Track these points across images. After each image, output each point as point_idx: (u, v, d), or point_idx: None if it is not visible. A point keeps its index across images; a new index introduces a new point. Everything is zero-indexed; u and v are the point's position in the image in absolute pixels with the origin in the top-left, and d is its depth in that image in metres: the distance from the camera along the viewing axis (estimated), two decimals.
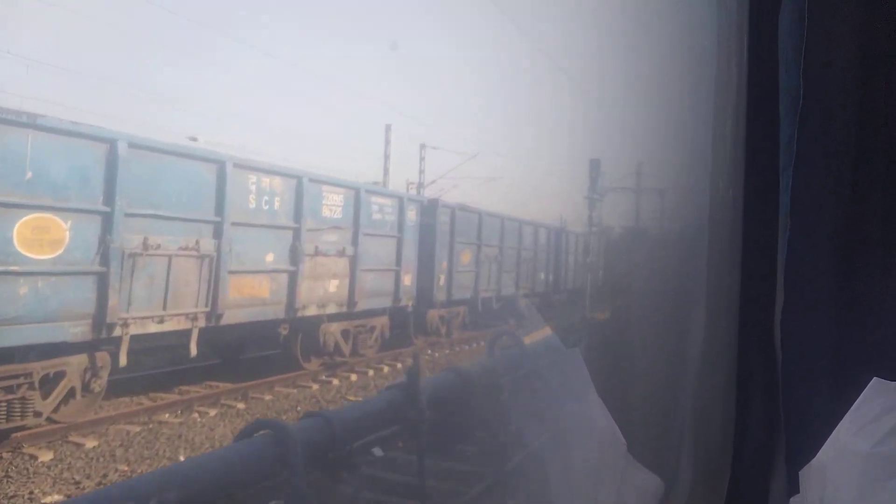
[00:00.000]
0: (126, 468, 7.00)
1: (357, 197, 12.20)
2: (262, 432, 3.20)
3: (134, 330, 7.99)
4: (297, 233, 10.65)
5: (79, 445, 7.47)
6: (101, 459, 7.14)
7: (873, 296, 1.22)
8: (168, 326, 8.59)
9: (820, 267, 1.26)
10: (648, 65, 1.96)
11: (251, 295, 9.80)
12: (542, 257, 23.02)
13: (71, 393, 7.60)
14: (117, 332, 7.75)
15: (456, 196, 31.83)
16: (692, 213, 1.83)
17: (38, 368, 7.10)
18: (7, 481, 6.37)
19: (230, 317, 9.51)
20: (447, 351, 16.47)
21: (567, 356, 1.60)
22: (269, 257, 10.14)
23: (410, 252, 14.17)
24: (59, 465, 6.95)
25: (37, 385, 7.06)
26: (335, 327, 12.13)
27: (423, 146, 31.92)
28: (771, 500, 1.41)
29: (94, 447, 7.49)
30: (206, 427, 8.80)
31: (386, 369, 13.82)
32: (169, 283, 8.41)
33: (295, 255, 10.55)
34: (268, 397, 10.33)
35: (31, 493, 6.31)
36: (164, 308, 8.47)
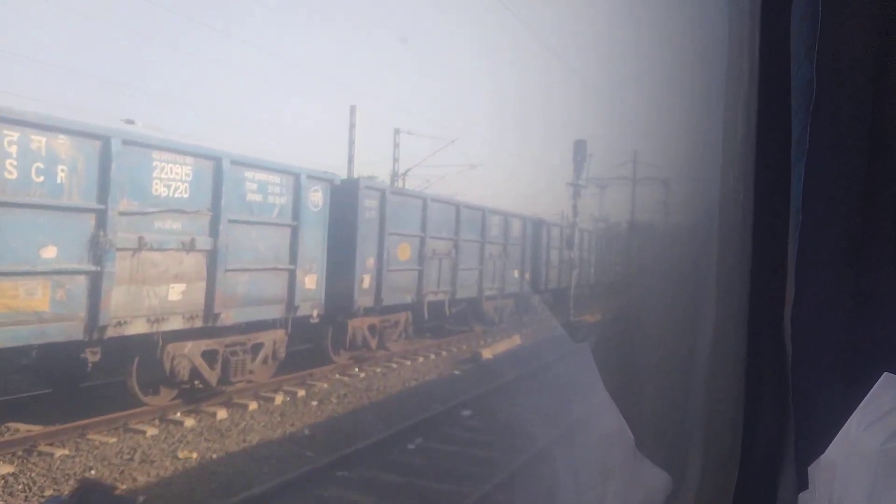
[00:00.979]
0: None
1: (217, 170, 8.96)
2: None
3: None
4: (101, 217, 7.43)
5: None
6: None
7: (885, 290, 1.21)
8: None
9: (831, 262, 1.25)
10: (657, 56, 1.94)
11: (11, 307, 6.61)
12: (515, 253, 19.72)
13: None
14: None
15: (443, 189, 28.62)
16: (701, 206, 1.82)
17: None
18: None
19: None
20: (379, 369, 13.25)
21: (575, 352, 1.64)
22: (49, 252, 6.93)
23: (314, 246, 10.93)
24: None
25: None
26: (192, 348, 8.90)
27: (397, 131, 28.88)
28: (780, 496, 1.39)
29: None
30: None
31: (279, 399, 10.58)
32: None
33: (98, 249, 7.33)
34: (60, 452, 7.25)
35: None
36: None
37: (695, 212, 1.92)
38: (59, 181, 7.04)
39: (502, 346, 16.45)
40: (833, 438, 1.12)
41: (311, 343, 12.49)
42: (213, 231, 8.89)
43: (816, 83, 1.20)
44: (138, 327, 7.96)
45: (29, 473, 6.58)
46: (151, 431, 8.29)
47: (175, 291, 8.37)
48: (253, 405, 9.89)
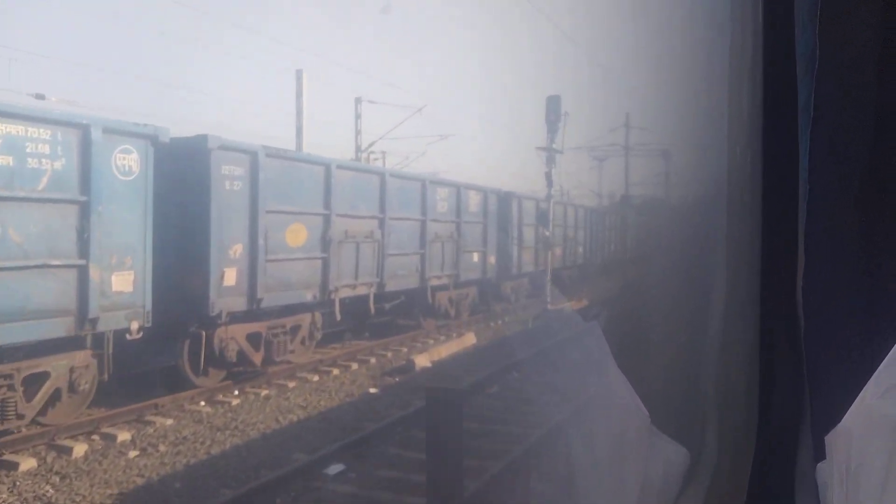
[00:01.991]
0: None
1: None
2: None
3: None
4: None
5: None
6: None
7: None
8: None
9: (841, 230, 1.26)
10: (660, 26, 1.92)
11: None
12: (474, 232, 16.33)
13: None
14: None
15: (423, 167, 25.35)
16: (708, 177, 1.82)
17: None
18: None
19: None
20: (266, 391, 10.05)
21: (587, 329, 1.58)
22: None
23: (126, 231, 7.67)
24: None
25: None
26: None
27: (358, 100, 25.50)
28: (798, 467, 1.41)
29: None
30: None
31: (79, 450, 7.39)
32: None
33: None
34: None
35: None
36: None
37: (702, 184, 1.94)
38: None
39: (448, 349, 13.16)
40: (849, 408, 1.10)
41: (166, 361, 9.27)
42: None
43: (820, 49, 1.21)
44: None
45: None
46: None
47: None
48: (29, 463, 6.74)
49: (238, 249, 9.30)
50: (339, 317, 11.44)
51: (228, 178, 9.13)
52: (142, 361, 8.94)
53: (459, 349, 13.44)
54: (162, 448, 7.54)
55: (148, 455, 7.29)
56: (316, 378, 10.97)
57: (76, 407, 7.63)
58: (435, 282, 14.63)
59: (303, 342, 11.07)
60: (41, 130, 6.84)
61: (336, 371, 11.35)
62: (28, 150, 6.73)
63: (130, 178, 7.76)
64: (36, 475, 6.56)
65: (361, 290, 12.13)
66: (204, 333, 9.00)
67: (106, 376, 7.65)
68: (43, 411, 7.23)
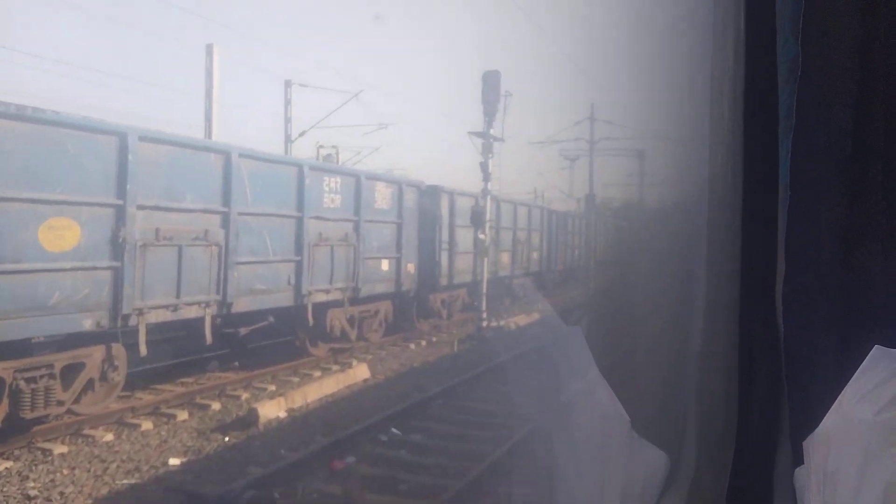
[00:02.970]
0: None
1: None
2: None
3: None
4: None
5: None
6: None
7: (874, 264, 1.23)
8: None
9: (821, 237, 1.27)
10: (641, 36, 1.90)
11: None
12: (382, 235, 13.10)
13: None
14: None
15: (376, 165, 22.52)
16: (689, 184, 1.81)
17: None
18: None
19: None
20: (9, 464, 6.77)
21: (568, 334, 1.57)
22: None
23: None
24: None
25: None
26: None
27: (287, 83, 22.37)
28: (776, 472, 1.41)
29: None
30: None
31: None
32: None
33: None
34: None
35: None
36: None
37: (682, 188, 1.93)
38: None
39: (321, 390, 9.92)
40: (826, 413, 1.13)
41: None
42: None
43: (802, 59, 1.22)
44: None
45: None
46: None
47: None
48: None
49: None
50: (143, 350, 8.15)
51: None
52: None
53: (338, 389, 10.18)
54: None
55: None
56: (110, 437, 7.74)
57: None
58: (320, 297, 11.37)
59: (89, 390, 7.79)
60: None
61: (148, 425, 8.11)
62: None
63: None
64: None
65: (189, 312, 8.86)
66: None
67: None
68: None
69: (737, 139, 1.47)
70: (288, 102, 22.68)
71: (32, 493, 6.14)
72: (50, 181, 7.07)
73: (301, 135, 22.45)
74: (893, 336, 1.09)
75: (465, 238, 16.60)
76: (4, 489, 6.13)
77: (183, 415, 8.60)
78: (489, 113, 15.46)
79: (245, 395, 9.62)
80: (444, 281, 15.90)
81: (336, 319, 12.08)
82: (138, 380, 9.21)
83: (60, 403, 7.32)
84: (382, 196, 13.16)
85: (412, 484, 6.50)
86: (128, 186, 7.83)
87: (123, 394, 8.62)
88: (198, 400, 9.14)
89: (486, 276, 15.47)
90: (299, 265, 10.77)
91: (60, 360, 7.40)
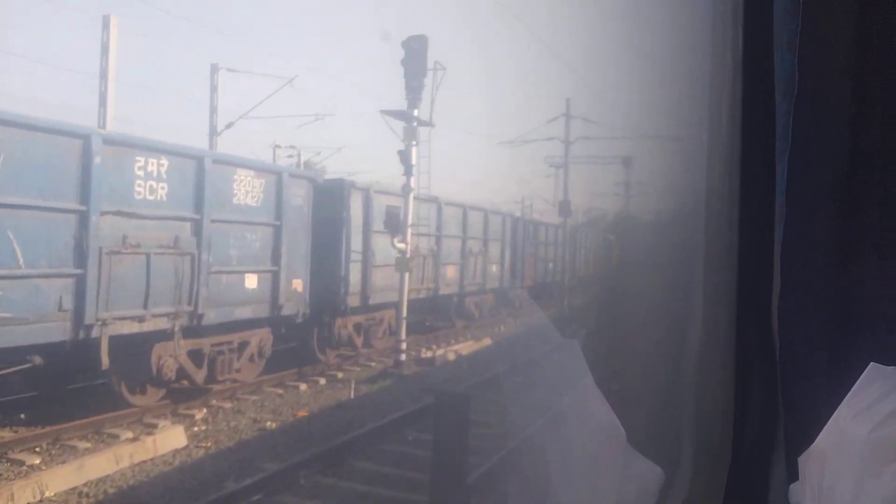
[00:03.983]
0: None
1: None
2: None
3: None
4: None
5: None
6: None
7: (870, 282, 1.23)
8: None
9: (817, 253, 1.27)
10: (637, 47, 1.93)
11: None
12: (237, 240, 9.68)
13: None
14: None
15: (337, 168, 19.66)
16: (685, 199, 1.82)
17: None
18: None
19: None
20: None
21: (564, 346, 1.58)
22: None
23: None
24: None
25: None
26: None
27: (214, 68, 19.11)
28: (771, 488, 1.41)
29: None
30: None
31: None
32: None
33: None
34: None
35: None
36: None
37: (678, 204, 1.92)
38: None
39: (82, 473, 6.49)
40: (822, 429, 1.13)
41: None
42: None
43: (799, 75, 1.22)
44: None
45: None
46: None
47: None
48: None
49: None
50: None
51: None
52: None
53: (115, 470, 6.73)
54: None
55: None
56: None
57: None
58: (125, 327, 7.95)
59: None
60: None
61: None
62: None
63: None
64: None
65: None
66: None
67: None
68: None
69: (734, 154, 1.49)
70: (214, 90, 19.48)
71: None
72: None
73: (228, 126, 19.21)
74: (890, 352, 1.09)
75: (388, 247, 13.17)
76: None
77: None
78: (413, 89, 12.10)
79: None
80: (354, 301, 12.48)
81: (168, 358, 8.66)
82: None
83: None
84: (247, 188, 9.74)
85: None
86: None
87: None
88: None
89: (405, 294, 12.02)
90: (81, 281, 7.35)
91: None
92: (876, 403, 1.04)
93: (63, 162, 7.24)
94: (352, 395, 10.38)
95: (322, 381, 11.48)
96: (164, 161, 8.42)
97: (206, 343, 9.27)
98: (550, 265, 24.73)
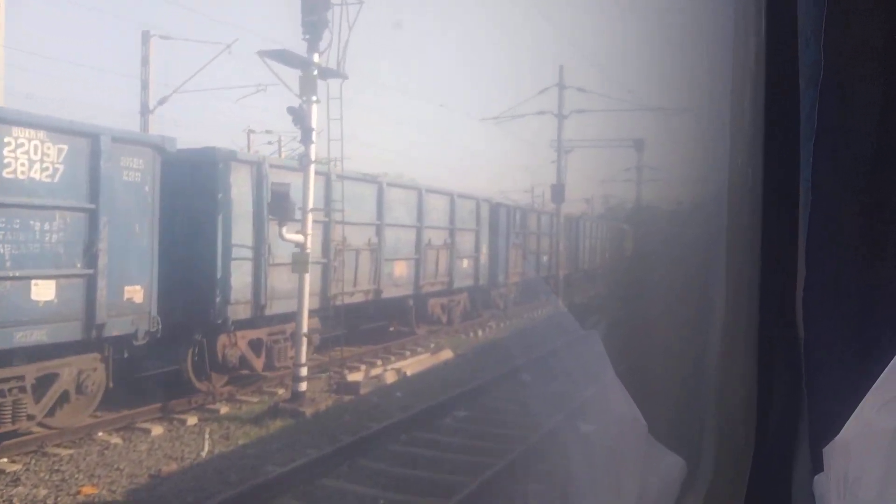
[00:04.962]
0: None
1: None
2: None
3: None
4: None
5: None
6: None
7: None
8: None
9: (842, 242, 1.26)
10: (662, 33, 1.90)
11: None
12: (69, 230, 6.54)
13: None
14: None
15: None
16: (710, 188, 1.81)
17: None
18: None
19: None
20: None
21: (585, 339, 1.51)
22: None
23: None
24: None
25: None
26: None
27: (146, 35, 16.03)
28: (794, 480, 1.40)
29: None
30: None
31: None
32: None
33: None
34: None
35: None
36: None
37: (701, 193, 1.92)
38: None
39: None
40: (847, 420, 1.11)
41: None
42: None
43: (824, 63, 1.21)
44: None
45: None
46: None
47: None
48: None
49: None
50: None
51: None
52: None
53: None
54: None
55: None
56: None
57: None
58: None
59: None
60: None
61: None
62: None
63: None
64: None
65: None
66: None
67: None
68: None
69: (758, 143, 1.49)
70: (145, 63, 16.65)
71: None
72: None
73: (161, 102, 16.38)
74: None
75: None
76: None
77: None
78: (310, 26, 9.01)
79: None
80: (241, 312, 9.44)
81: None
82: None
83: None
84: (32, 156, 6.75)
85: None
86: None
87: None
88: None
89: (305, 303, 8.94)
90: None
91: None
92: None
93: None
94: (203, 452, 7.31)
95: (192, 420, 8.47)
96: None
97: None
98: (545, 258, 21.44)
